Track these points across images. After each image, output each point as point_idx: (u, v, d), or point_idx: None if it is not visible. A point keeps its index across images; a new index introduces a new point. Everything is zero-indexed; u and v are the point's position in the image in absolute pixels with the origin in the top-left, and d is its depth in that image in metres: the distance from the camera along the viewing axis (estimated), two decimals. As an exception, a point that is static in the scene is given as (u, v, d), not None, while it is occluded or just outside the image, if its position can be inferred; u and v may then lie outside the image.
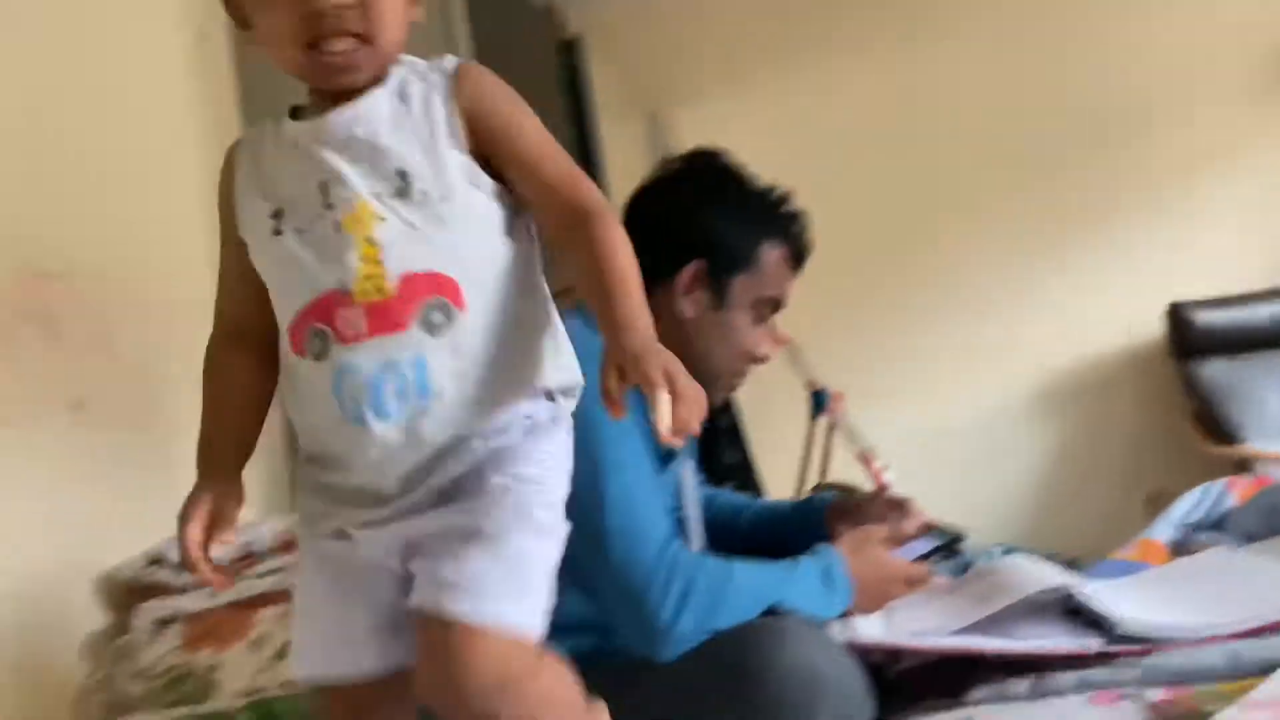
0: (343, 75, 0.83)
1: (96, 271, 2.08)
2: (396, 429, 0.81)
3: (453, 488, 0.82)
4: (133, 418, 2.12)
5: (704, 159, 1.47)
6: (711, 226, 1.41)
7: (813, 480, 2.65)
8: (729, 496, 1.66)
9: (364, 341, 0.81)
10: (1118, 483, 3.35)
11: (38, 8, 2.05)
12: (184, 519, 0.88)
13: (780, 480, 2.74)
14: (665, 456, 1.35)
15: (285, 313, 0.85)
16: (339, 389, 0.82)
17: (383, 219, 0.81)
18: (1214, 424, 3.00)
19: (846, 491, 2.40)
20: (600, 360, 1.27)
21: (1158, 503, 3.10)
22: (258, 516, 2.32)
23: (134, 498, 2.09)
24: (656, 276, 1.37)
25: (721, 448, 2.71)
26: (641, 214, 1.45)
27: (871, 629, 1.28)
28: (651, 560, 1.17)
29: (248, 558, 1.95)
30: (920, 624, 1.26)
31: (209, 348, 0.95)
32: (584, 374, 1.21)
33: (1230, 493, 1.56)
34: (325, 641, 0.88)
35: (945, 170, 3.46)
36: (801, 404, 2.64)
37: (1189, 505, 1.56)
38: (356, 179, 0.81)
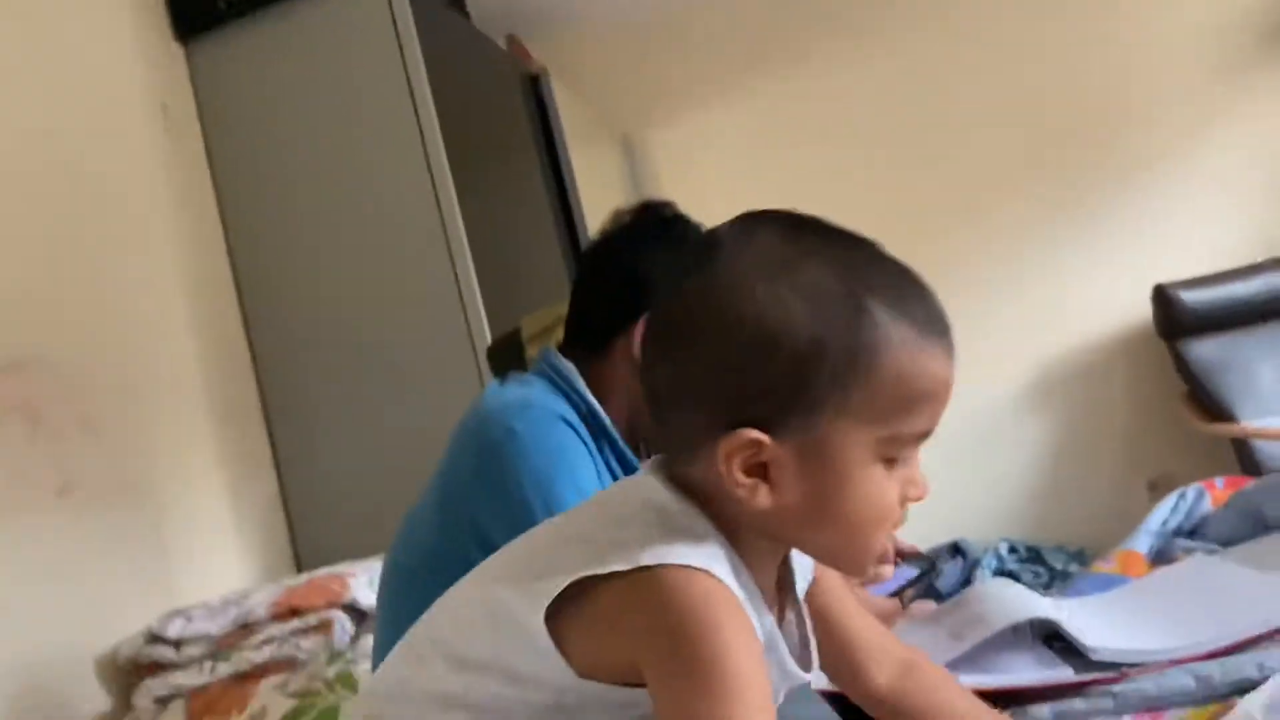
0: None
1: (75, 356, 2.10)
2: None
3: None
4: (120, 497, 2.15)
5: (654, 209, 1.48)
6: (664, 277, 1.41)
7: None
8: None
9: None
10: (1120, 469, 3.35)
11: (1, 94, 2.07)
12: None
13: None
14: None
15: None
16: None
17: None
18: (1207, 403, 2.99)
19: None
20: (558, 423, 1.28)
21: (1160, 487, 3.11)
22: (253, 583, 2.35)
23: (127, 576, 2.11)
24: (611, 330, 1.38)
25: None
26: (593, 267, 1.46)
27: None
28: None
29: (245, 628, 1.97)
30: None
31: None
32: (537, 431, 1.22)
33: (1206, 496, 1.56)
34: None
35: (926, 169, 3.47)
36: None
37: (1165, 512, 1.56)
38: None
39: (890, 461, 0.69)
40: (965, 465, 3.31)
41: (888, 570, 1.41)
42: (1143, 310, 3.21)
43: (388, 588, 1.37)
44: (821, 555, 0.74)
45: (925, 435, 0.70)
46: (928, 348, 0.68)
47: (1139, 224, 3.35)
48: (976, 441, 3.36)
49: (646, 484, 0.74)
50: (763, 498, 0.69)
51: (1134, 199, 3.36)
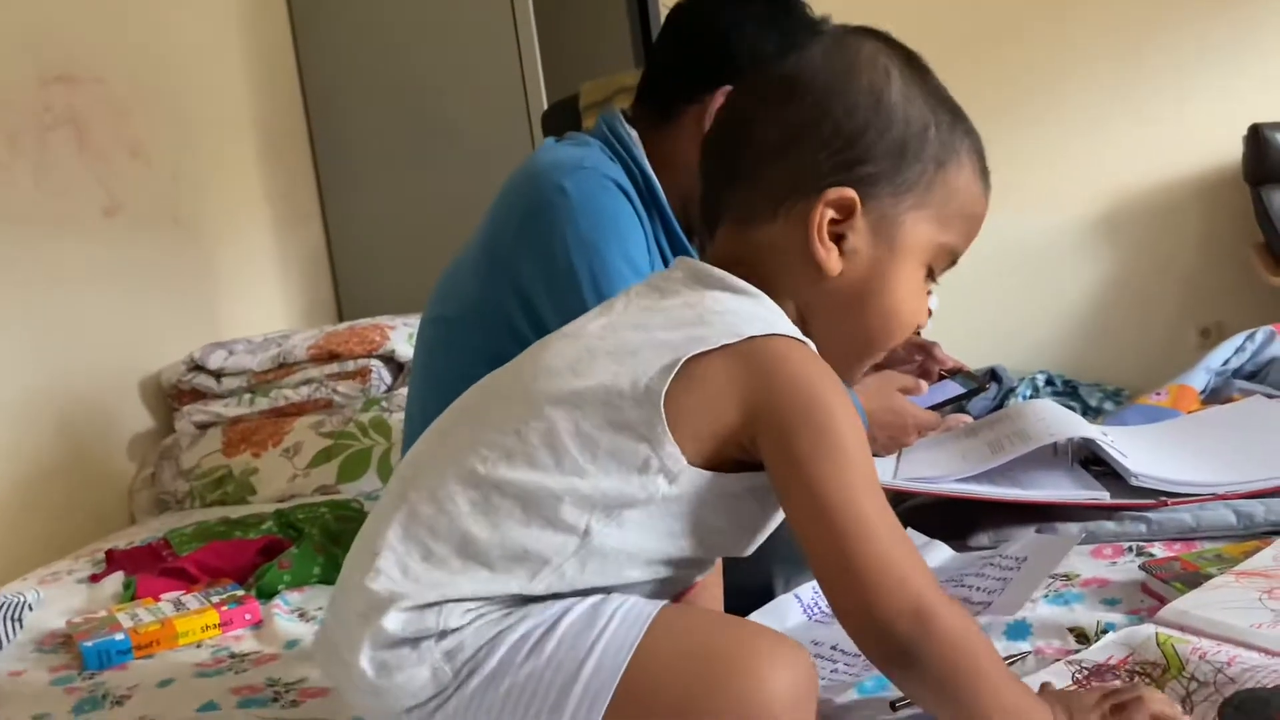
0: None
1: (127, 76, 2.05)
2: None
3: None
4: (167, 225, 2.14)
5: None
6: (752, 50, 1.32)
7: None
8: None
9: None
10: (1173, 313, 3.26)
11: None
12: None
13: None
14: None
15: None
16: None
17: None
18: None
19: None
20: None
21: (1211, 336, 3.02)
22: (295, 327, 2.37)
23: (172, 304, 2.14)
24: (686, 96, 1.30)
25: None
26: (681, 27, 1.36)
27: (880, 471, 1.28)
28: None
29: (284, 367, 2.00)
30: (930, 469, 1.26)
31: None
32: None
33: (1276, 340, 1.50)
34: None
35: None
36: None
37: (1230, 351, 1.50)
38: None
39: (929, 275, 0.75)
40: (1016, 292, 3.23)
41: (923, 384, 1.38)
42: (1232, 152, 3.03)
43: (425, 338, 1.36)
44: (835, 347, 0.73)
45: (957, 259, 0.77)
46: (984, 177, 0.76)
47: (1240, 59, 3.11)
48: (1031, 268, 3.27)
49: (697, 268, 0.73)
50: (835, 263, 0.71)
51: (1236, 31, 3.11)
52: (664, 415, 0.65)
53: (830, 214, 0.70)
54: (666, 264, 1.29)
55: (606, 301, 0.78)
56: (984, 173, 0.76)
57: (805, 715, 0.64)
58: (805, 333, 0.71)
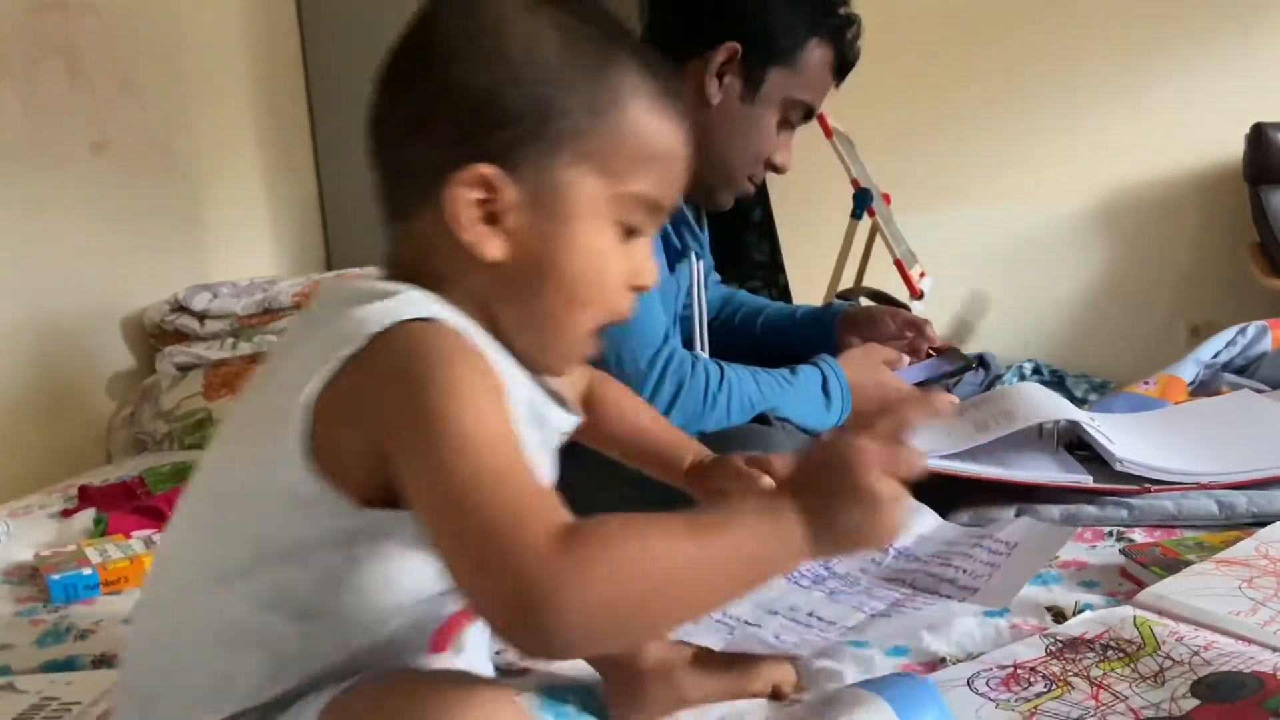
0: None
1: (119, 7, 2.01)
2: None
3: None
4: (158, 163, 2.10)
5: None
6: (758, 8, 1.29)
7: (847, 284, 2.60)
8: (747, 298, 1.62)
9: None
10: (1164, 310, 3.26)
11: None
12: None
13: (810, 282, 2.69)
14: (677, 253, 1.31)
15: None
16: None
17: None
18: (1275, 256, 2.87)
19: (882, 299, 2.35)
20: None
21: (1201, 335, 3.02)
22: (281, 273, 2.34)
23: (159, 244, 2.10)
24: (687, 51, 1.27)
25: (750, 243, 2.64)
26: None
27: (864, 444, 1.27)
28: (646, 360, 1.15)
29: (269, 312, 1.97)
30: (914, 444, 1.25)
31: None
32: None
33: (1268, 335, 1.49)
34: None
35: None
36: (843, 202, 2.55)
37: (1220, 344, 1.50)
38: None
39: (627, 233, 0.65)
40: (1008, 281, 3.22)
41: (905, 359, 1.37)
42: (1232, 150, 3.02)
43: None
44: (530, 333, 0.65)
45: (657, 207, 0.66)
46: (666, 111, 0.65)
47: (1246, 57, 3.10)
48: (1025, 258, 3.26)
49: (334, 289, 0.65)
50: (494, 247, 0.61)
51: (1244, 28, 3.09)
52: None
53: (472, 195, 0.61)
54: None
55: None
56: (660, 105, 0.65)
57: None
58: (499, 327, 0.64)
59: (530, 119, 0.61)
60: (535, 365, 0.66)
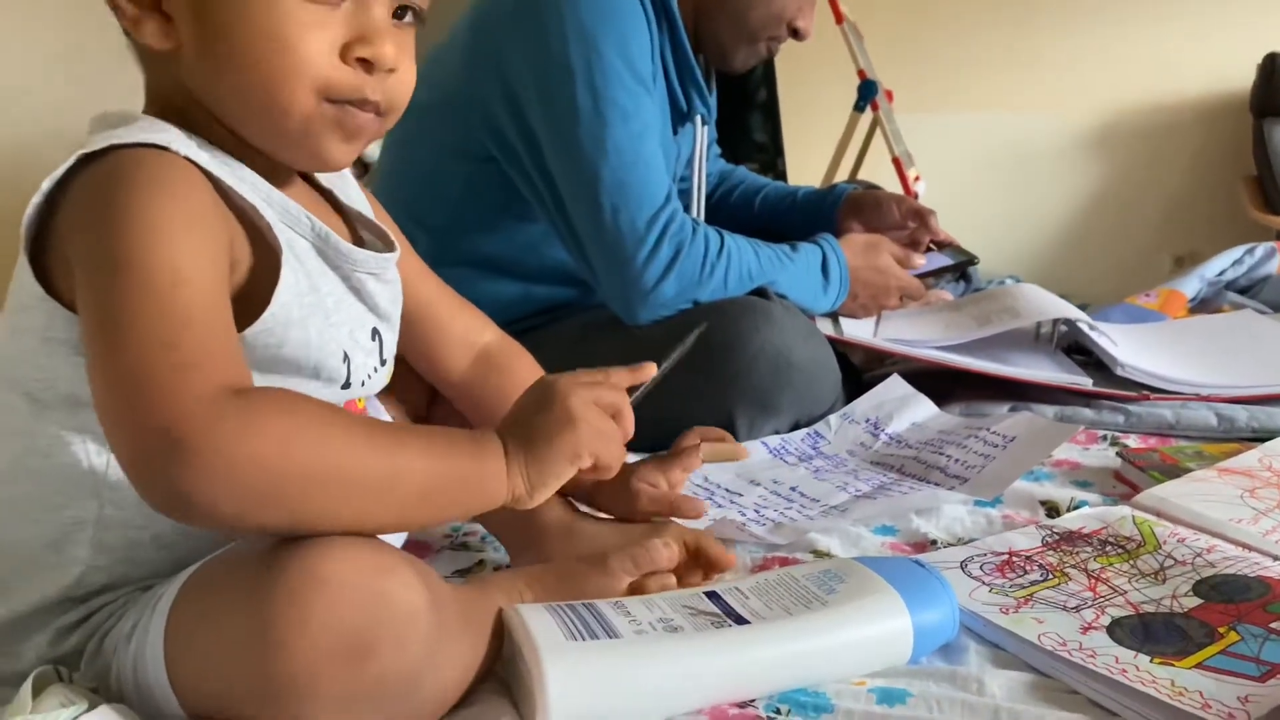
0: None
1: None
2: None
3: None
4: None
5: None
6: None
7: (842, 177, 2.53)
8: (746, 174, 1.55)
9: None
10: (1150, 237, 3.23)
11: None
12: None
13: (807, 169, 2.61)
14: (681, 115, 1.24)
15: None
16: None
17: None
18: (1272, 193, 2.83)
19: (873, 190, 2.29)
20: None
21: (1185, 264, 3.00)
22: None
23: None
24: None
25: (752, 123, 2.55)
26: None
27: (858, 330, 1.23)
28: (644, 220, 1.09)
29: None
30: (912, 334, 1.21)
31: None
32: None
33: (1276, 258, 1.45)
34: None
35: None
36: (847, 93, 2.46)
37: (1227, 262, 1.46)
38: None
39: None
40: (996, 193, 3.17)
41: (916, 258, 1.32)
42: (1242, 79, 2.95)
43: (395, 128, 1.26)
44: (250, 125, 0.59)
45: None
46: None
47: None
48: (1018, 171, 3.20)
49: (105, 113, 0.59)
50: (150, 31, 0.56)
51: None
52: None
53: None
54: (669, 78, 1.20)
55: None
56: None
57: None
58: (217, 134, 0.58)
59: None
60: (290, 162, 0.62)
